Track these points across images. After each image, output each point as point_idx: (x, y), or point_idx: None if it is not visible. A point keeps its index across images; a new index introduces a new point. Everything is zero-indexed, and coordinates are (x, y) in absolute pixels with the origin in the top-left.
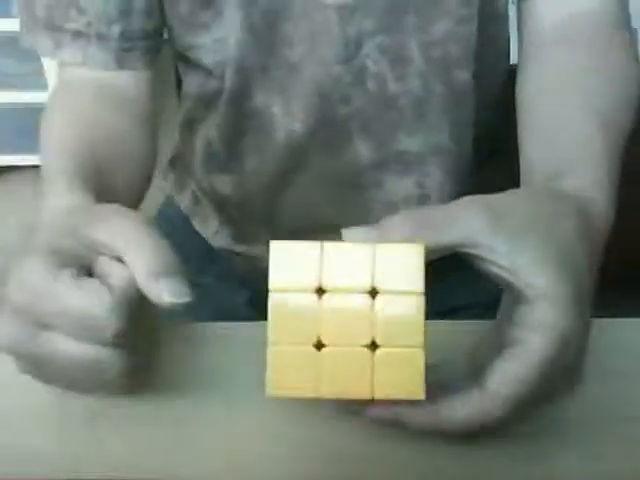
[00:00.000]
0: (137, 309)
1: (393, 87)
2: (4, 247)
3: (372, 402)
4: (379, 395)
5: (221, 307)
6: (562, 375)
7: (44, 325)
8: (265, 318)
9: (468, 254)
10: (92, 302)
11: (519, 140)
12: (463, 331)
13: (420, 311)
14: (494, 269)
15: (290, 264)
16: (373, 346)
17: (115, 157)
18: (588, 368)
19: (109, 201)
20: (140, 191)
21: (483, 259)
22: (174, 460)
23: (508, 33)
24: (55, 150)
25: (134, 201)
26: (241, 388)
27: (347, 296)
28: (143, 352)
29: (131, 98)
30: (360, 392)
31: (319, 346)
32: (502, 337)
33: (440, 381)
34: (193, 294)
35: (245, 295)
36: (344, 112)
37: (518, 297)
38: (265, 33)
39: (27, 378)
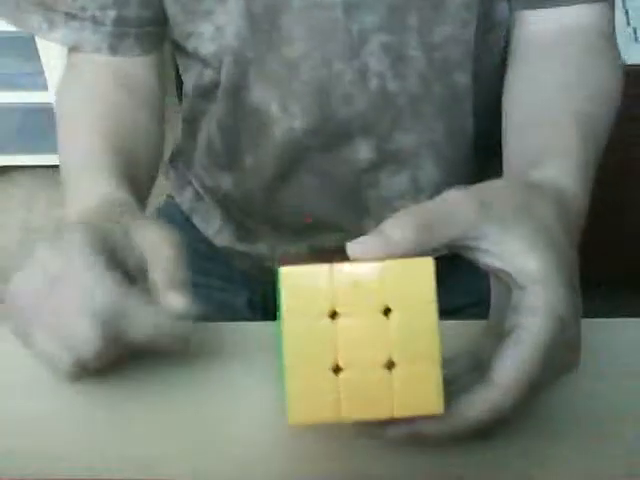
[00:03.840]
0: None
1: (392, 85)
2: (4, 247)
3: (391, 421)
4: (399, 413)
5: (221, 307)
6: (561, 356)
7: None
8: (264, 319)
9: (462, 246)
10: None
11: (502, 138)
12: (466, 331)
13: (434, 326)
14: (484, 257)
15: (301, 289)
16: (390, 365)
17: (137, 147)
18: (588, 367)
19: (136, 190)
20: (154, 178)
21: (474, 249)
22: (174, 460)
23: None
24: (83, 144)
25: (149, 189)
26: (241, 388)
27: (361, 317)
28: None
29: (141, 83)
30: (380, 412)
31: (336, 370)
32: (499, 327)
33: (445, 379)
34: (198, 300)
35: (245, 296)
36: (345, 112)
37: (511, 284)
38: (264, 26)
39: (28, 381)
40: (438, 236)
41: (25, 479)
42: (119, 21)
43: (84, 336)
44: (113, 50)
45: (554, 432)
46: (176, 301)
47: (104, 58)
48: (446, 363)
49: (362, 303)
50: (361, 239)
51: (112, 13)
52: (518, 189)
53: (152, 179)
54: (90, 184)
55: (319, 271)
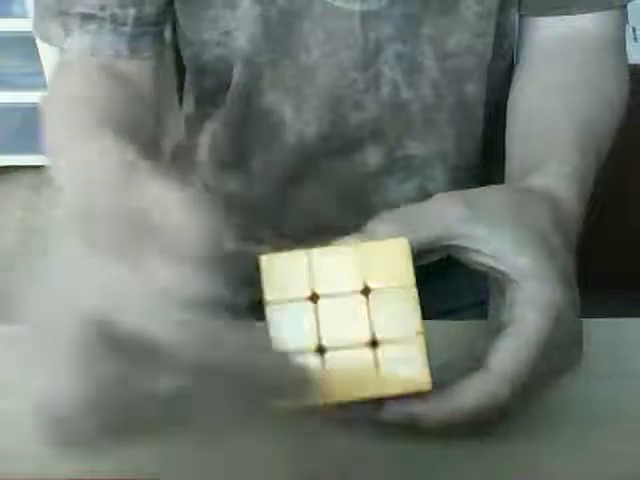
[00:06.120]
0: None
1: (405, 94)
2: (4, 247)
3: (381, 401)
4: (386, 392)
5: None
6: (561, 352)
7: None
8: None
9: (450, 247)
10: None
11: (506, 143)
12: (466, 331)
13: (414, 302)
14: (477, 257)
15: (282, 275)
16: (374, 343)
17: (133, 134)
18: (587, 367)
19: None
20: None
21: (465, 249)
22: (174, 460)
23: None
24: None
25: None
26: None
27: (341, 298)
28: None
29: (140, 85)
30: (368, 391)
31: (321, 351)
32: (497, 324)
33: (446, 380)
34: None
35: (246, 297)
36: (356, 118)
37: (504, 281)
38: (280, 32)
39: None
40: (421, 233)
41: (21, 479)
42: (139, 20)
43: None
44: (132, 52)
45: (552, 432)
46: None
47: (97, 61)
48: (444, 367)
49: (341, 284)
50: (346, 237)
51: (132, 11)
52: (509, 192)
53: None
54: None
55: (298, 256)
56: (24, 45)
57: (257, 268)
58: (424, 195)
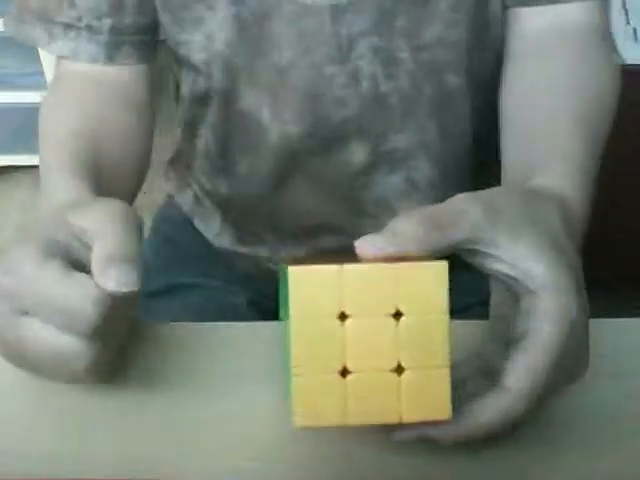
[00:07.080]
0: (118, 307)
1: (384, 87)
2: (4, 247)
3: (399, 425)
4: (407, 418)
5: (221, 308)
6: (572, 359)
7: (24, 311)
8: (264, 319)
9: (468, 250)
10: (76, 294)
11: (500, 142)
12: (471, 330)
13: (445, 331)
14: (493, 263)
15: (310, 290)
16: (399, 369)
17: (114, 152)
18: (595, 368)
19: (108, 195)
20: (136, 185)
21: (483, 253)
22: (174, 460)
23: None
24: (53, 148)
25: (131, 195)
26: (240, 388)
27: (371, 320)
28: (116, 349)
29: (128, 91)
30: (387, 416)
31: (344, 373)
32: (506, 333)
33: (454, 380)
34: (139, 283)
35: (245, 297)
36: (338, 115)
37: (518, 289)
38: (254, 33)
39: (24, 381)
40: (446, 236)
41: (21, 479)
42: (115, 30)
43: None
44: (110, 60)
45: (561, 436)
46: (110, 280)
47: (92, 67)
48: (452, 368)
49: (372, 305)
50: (368, 236)
51: (108, 22)
52: (523, 195)
53: (136, 185)
54: (57, 186)
55: (328, 271)
56: (24, 45)
57: (261, 270)
58: (412, 187)
